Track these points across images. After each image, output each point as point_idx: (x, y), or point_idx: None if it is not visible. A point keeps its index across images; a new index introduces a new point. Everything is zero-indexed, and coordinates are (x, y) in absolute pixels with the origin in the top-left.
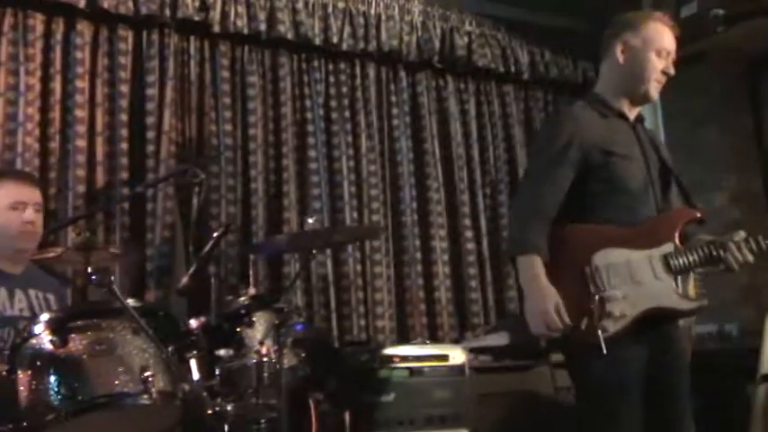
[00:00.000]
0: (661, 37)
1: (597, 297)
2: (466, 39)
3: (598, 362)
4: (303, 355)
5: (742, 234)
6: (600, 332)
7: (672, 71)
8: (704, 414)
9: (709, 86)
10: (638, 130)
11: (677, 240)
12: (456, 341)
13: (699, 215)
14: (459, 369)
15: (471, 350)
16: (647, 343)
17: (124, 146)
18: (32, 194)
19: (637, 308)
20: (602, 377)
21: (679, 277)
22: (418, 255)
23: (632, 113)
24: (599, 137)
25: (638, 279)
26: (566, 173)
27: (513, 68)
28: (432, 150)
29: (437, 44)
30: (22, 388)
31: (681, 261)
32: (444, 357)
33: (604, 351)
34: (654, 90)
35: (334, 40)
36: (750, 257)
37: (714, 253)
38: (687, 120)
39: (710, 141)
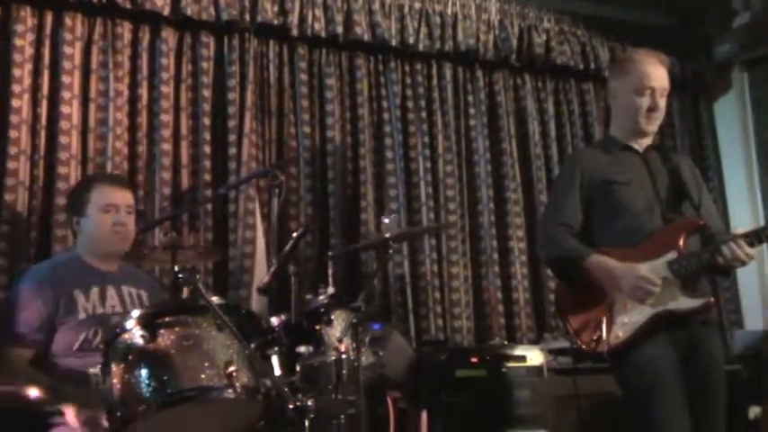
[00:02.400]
0: (640, 77)
1: (606, 308)
2: (544, 36)
3: (623, 366)
4: (381, 353)
5: (742, 230)
6: (608, 340)
7: (658, 105)
8: None
9: None
10: (648, 157)
11: (681, 247)
12: (534, 342)
13: (702, 223)
14: (537, 370)
15: (550, 351)
16: (672, 345)
17: (207, 149)
18: (124, 197)
19: (643, 314)
20: (629, 379)
21: (685, 280)
22: (495, 255)
23: (642, 144)
24: (600, 171)
25: None
26: (576, 202)
27: (592, 65)
28: (509, 150)
29: (514, 42)
30: (115, 380)
31: (684, 265)
32: (522, 358)
33: (605, 356)
34: (646, 125)
35: (411, 40)
36: (749, 250)
37: (716, 253)
38: None
39: None
